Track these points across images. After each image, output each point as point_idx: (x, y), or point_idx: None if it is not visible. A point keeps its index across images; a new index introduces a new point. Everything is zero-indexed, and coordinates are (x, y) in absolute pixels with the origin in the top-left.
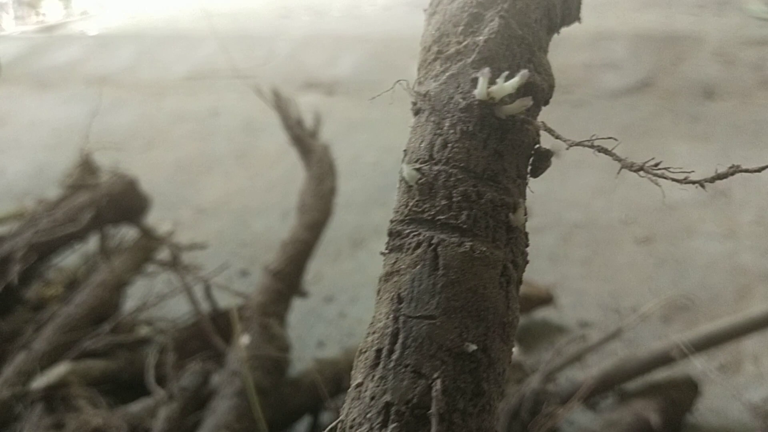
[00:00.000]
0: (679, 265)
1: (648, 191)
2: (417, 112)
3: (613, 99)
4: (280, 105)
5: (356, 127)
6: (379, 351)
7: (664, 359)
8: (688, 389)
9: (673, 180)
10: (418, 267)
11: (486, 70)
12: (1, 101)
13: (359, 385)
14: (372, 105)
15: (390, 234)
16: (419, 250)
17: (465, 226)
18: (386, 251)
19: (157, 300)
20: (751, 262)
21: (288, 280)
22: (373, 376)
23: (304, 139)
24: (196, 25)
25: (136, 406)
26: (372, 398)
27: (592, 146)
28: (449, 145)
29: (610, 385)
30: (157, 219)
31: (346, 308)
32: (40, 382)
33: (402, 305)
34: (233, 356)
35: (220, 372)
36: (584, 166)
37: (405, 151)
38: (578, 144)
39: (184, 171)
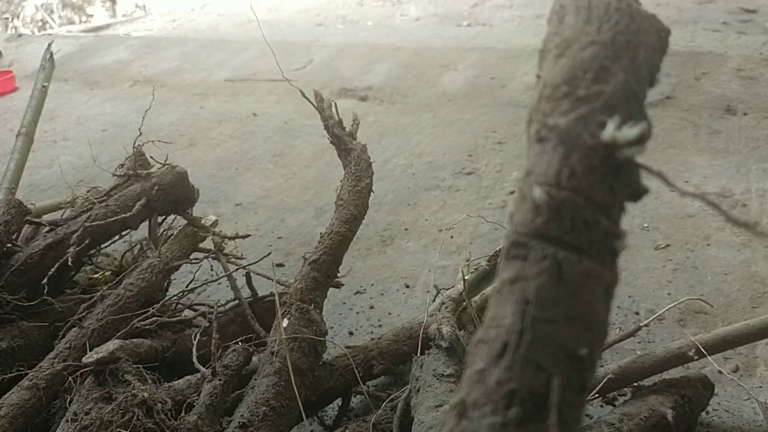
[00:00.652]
0: (697, 271)
1: (667, 201)
2: (540, 140)
3: None
4: (322, 106)
5: (388, 132)
6: (505, 344)
7: (681, 358)
8: (703, 388)
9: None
10: (544, 276)
11: (615, 117)
12: (50, 98)
13: (482, 371)
14: (402, 112)
15: (514, 243)
16: (545, 262)
17: (584, 247)
18: (507, 257)
19: (201, 286)
20: (766, 271)
21: (325, 269)
22: (499, 365)
23: (343, 139)
24: (237, 31)
25: (181, 383)
26: (498, 383)
27: (704, 199)
28: (575, 175)
29: (627, 381)
30: (199, 213)
31: (376, 301)
32: (90, 356)
33: (529, 307)
34: (273, 338)
35: (260, 354)
36: None
37: (528, 172)
38: (690, 195)
39: (224, 168)
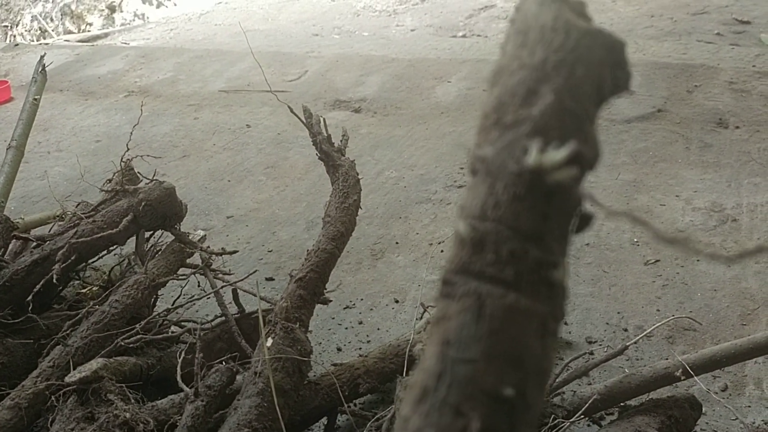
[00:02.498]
0: (686, 287)
1: (658, 216)
2: (473, 173)
3: (626, 125)
4: (311, 122)
5: (381, 145)
6: (425, 388)
7: (668, 378)
8: (691, 408)
9: (703, 254)
10: (465, 314)
11: (537, 140)
12: (45, 108)
13: (406, 418)
14: (396, 124)
15: (443, 282)
16: (467, 299)
17: (510, 281)
18: (438, 297)
19: (187, 302)
20: (756, 288)
21: (311, 287)
22: (419, 411)
23: (331, 155)
24: (233, 41)
25: (164, 402)
26: (417, 431)
27: (628, 216)
28: (500, 206)
29: (614, 401)
30: (190, 226)
31: (365, 316)
32: (73, 376)
33: (448, 348)
34: (257, 358)
35: (244, 372)
36: (597, 189)
37: (461, 206)
38: (618, 214)
39: (217, 180)
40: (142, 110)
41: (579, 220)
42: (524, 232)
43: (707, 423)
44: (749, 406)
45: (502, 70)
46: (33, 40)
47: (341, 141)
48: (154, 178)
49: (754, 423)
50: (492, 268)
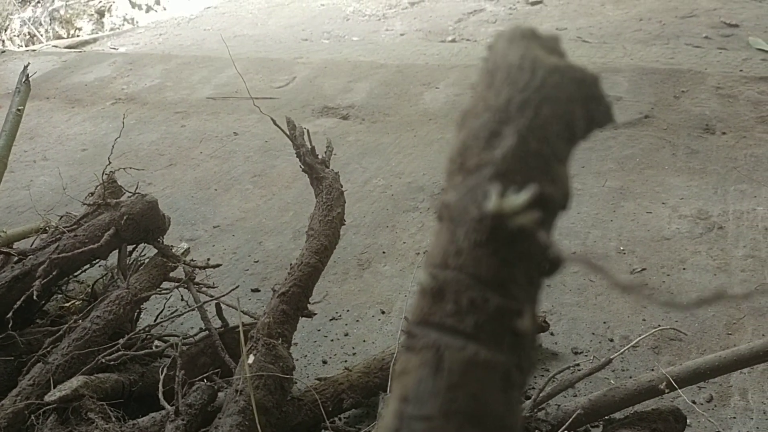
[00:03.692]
0: (672, 296)
1: (644, 224)
2: (439, 219)
3: (613, 131)
4: (294, 134)
5: (368, 152)
6: None
7: (652, 391)
8: (675, 421)
9: (658, 303)
10: (424, 369)
11: (497, 184)
12: (31, 116)
13: None
14: (384, 131)
15: (406, 334)
16: (426, 353)
17: (470, 332)
18: (402, 350)
19: (170, 317)
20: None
21: (294, 301)
22: None
23: (315, 167)
24: (222, 47)
25: (145, 420)
26: None
27: (586, 262)
28: (462, 253)
29: (598, 415)
30: (173, 237)
31: (351, 328)
32: (53, 394)
33: (405, 404)
34: (239, 375)
35: (227, 389)
36: (583, 197)
37: (425, 253)
38: (576, 260)
39: (203, 189)
40: (124, 120)
41: (549, 264)
42: (485, 279)
43: None
44: (734, 417)
45: (468, 113)
46: (22, 45)
47: (325, 152)
48: (137, 191)
49: None
50: (451, 319)
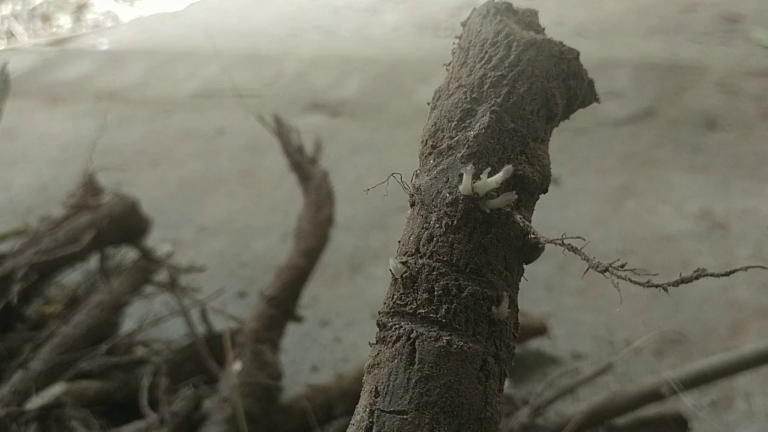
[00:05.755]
0: (674, 297)
1: (646, 223)
2: (412, 204)
3: (614, 127)
4: (281, 131)
5: (360, 150)
6: None
7: (654, 396)
8: (678, 426)
9: (636, 283)
10: (396, 360)
11: (470, 166)
12: (11, 115)
13: None
14: (376, 128)
15: (378, 325)
16: (398, 344)
17: (444, 320)
18: (374, 342)
19: (154, 321)
20: (746, 297)
21: (282, 306)
22: None
23: (303, 166)
24: (207, 43)
25: (128, 429)
26: None
27: (563, 245)
28: (434, 239)
29: (599, 420)
30: (157, 240)
31: (342, 333)
32: (34, 402)
33: (378, 399)
34: (224, 383)
35: (212, 397)
36: (584, 196)
37: (398, 242)
38: (551, 242)
39: (188, 189)
40: (106, 119)
41: (527, 249)
42: (459, 266)
43: None
44: (738, 420)
45: (441, 92)
46: (0, 43)
47: (314, 150)
48: (119, 192)
49: None
50: (425, 308)
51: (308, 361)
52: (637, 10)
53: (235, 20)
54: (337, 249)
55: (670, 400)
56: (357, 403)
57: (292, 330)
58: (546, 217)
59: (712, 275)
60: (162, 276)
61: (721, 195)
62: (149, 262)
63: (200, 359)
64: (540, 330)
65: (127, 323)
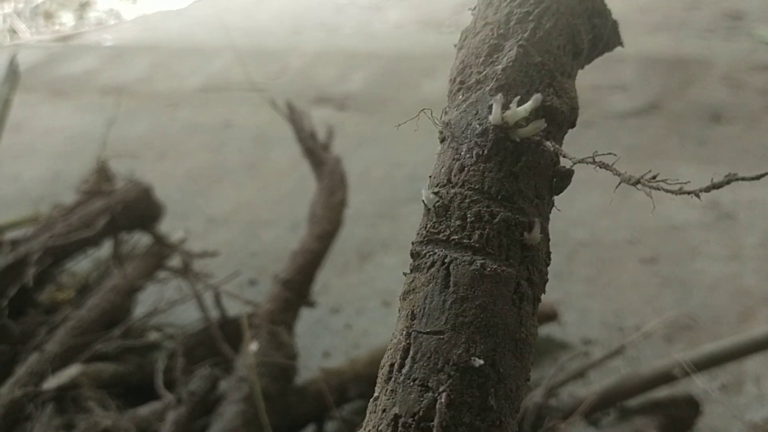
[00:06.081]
0: (683, 285)
1: (654, 213)
2: (442, 140)
3: (620, 120)
4: (294, 117)
5: (366, 143)
6: (392, 366)
7: (666, 377)
8: (689, 408)
9: (668, 191)
10: (431, 285)
11: (499, 96)
12: (17, 109)
13: (376, 398)
14: (382, 121)
15: (411, 255)
16: (433, 269)
17: (477, 245)
18: (408, 272)
19: (168, 306)
20: (755, 285)
21: (297, 289)
22: (386, 390)
23: (316, 152)
24: (211, 39)
25: (145, 410)
26: (383, 411)
27: (594, 162)
28: (465, 168)
29: (611, 402)
30: (169, 228)
31: (353, 320)
32: (51, 382)
33: (414, 321)
34: (241, 363)
35: (228, 378)
36: (592, 185)
37: (429, 177)
38: (581, 161)
39: (196, 181)
40: (114, 109)
41: (558, 176)
42: (491, 193)
43: (706, 422)
44: (748, 404)
45: (467, 32)
46: (3, 41)
47: (326, 137)
48: (131, 178)
49: (753, 421)
50: (458, 234)
51: (320, 347)
52: (640, 8)
53: (238, 18)
54: (346, 238)
55: (681, 384)
56: (371, 387)
57: (303, 317)
58: (554, 208)
59: (743, 179)
60: (175, 261)
61: (727, 187)
62: (162, 247)
63: (213, 344)
64: (551, 316)
65: (139, 309)
